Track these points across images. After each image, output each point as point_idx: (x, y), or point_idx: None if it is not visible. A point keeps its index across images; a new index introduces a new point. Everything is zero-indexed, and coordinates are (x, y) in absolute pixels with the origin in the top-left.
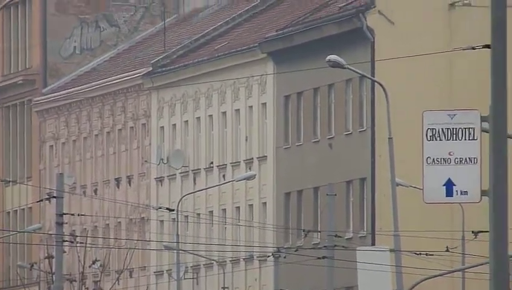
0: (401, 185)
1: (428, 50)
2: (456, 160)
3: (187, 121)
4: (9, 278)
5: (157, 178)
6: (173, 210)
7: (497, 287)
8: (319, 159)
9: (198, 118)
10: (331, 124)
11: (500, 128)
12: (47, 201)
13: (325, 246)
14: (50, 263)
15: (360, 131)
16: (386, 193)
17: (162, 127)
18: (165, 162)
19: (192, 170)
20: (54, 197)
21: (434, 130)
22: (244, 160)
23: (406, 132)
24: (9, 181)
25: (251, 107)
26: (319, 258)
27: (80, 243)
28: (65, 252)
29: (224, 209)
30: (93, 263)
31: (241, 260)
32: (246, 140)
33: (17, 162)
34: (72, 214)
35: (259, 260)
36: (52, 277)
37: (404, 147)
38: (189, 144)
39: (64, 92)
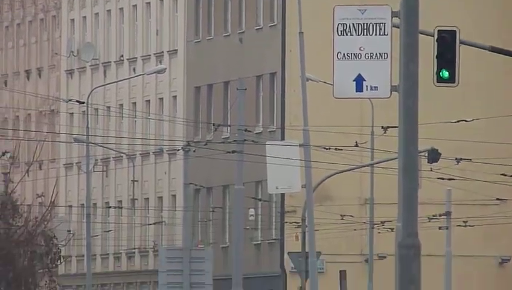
0: (311, 80)
1: None
2: (367, 55)
3: (97, 13)
4: None
5: (67, 70)
6: (83, 103)
7: (406, 182)
8: (230, 53)
9: (109, 10)
10: (242, 19)
11: (412, 24)
12: None
13: (234, 141)
14: None
15: (270, 26)
16: (296, 87)
17: (73, 20)
18: (76, 54)
19: (103, 63)
20: None
21: (345, 25)
22: (154, 53)
23: (317, 27)
24: None
25: (162, 0)
26: (228, 152)
27: None
28: None
29: (135, 103)
30: (3, 154)
31: (151, 153)
32: (157, 34)
33: None
34: None
35: (168, 154)
36: None
37: (315, 41)
38: (100, 36)
39: None
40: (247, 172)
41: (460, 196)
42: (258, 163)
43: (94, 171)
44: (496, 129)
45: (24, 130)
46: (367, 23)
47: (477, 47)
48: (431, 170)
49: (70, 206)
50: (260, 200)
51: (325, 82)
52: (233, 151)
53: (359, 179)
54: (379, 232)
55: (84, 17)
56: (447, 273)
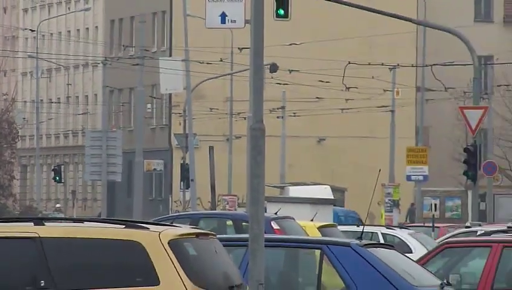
0: (190, 15)
1: None
2: None
3: None
4: None
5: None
6: (34, 30)
7: (256, 82)
8: None
9: None
10: None
11: None
12: None
13: (137, 57)
14: None
15: None
16: (181, 22)
17: None
18: None
19: (48, 4)
20: None
21: None
22: None
23: None
24: None
25: None
26: (134, 64)
27: None
28: None
29: (69, 31)
30: None
31: (80, 65)
32: None
33: None
34: None
35: (93, 66)
36: None
37: None
38: None
39: None
40: (146, 78)
41: (292, 95)
42: (154, 72)
43: (41, 78)
44: (316, 49)
45: None
46: None
47: None
48: (272, 78)
49: (25, 101)
50: (155, 98)
51: (200, 17)
52: (137, 64)
53: (223, 84)
54: (236, 120)
55: None
56: (282, 149)
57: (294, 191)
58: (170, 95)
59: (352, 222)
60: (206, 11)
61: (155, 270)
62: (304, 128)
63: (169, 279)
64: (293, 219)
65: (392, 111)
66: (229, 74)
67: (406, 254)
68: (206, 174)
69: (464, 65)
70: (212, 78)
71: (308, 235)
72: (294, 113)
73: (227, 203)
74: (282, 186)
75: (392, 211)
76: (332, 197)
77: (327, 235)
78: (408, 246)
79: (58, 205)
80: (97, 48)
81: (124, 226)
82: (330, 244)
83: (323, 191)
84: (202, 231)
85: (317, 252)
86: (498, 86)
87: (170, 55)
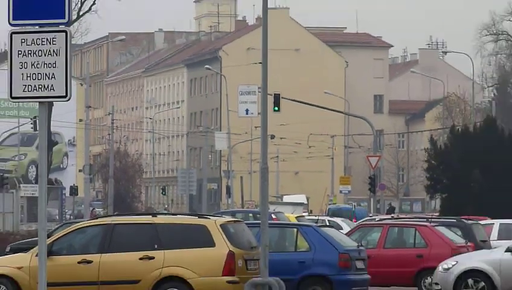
0: (231, 111)
1: None
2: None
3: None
4: None
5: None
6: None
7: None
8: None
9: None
10: None
11: (264, 92)
12: None
13: (204, 131)
14: None
15: (213, 93)
16: (225, 117)
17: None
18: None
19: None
20: None
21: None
22: (176, 101)
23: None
24: None
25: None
26: (202, 135)
27: None
28: None
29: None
30: (124, 136)
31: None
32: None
33: None
34: None
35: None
36: None
37: (234, 96)
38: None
39: None
40: (209, 142)
41: (282, 150)
42: (212, 139)
43: (155, 142)
44: (295, 128)
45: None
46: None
47: (288, 99)
48: (271, 141)
49: (147, 154)
50: (212, 152)
51: (235, 111)
52: (204, 135)
53: (248, 145)
54: (253, 163)
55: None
56: (277, 177)
57: (286, 198)
58: (220, 151)
59: (364, 215)
60: (238, 107)
61: (213, 239)
62: (288, 167)
63: (220, 243)
64: (283, 213)
65: (332, 158)
66: (250, 140)
67: (340, 230)
68: (239, 191)
69: (368, 135)
70: (242, 142)
71: (290, 221)
72: (283, 159)
73: (249, 205)
74: (280, 196)
75: None
76: (305, 201)
77: (300, 221)
78: (341, 226)
79: (166, 206)
80: (183, 126)
81: (197, 217)
82: (302, 226)
83: (301, 197)
84: (237, 219)
85: (295, 229)
86: (386, 145)
87: (220, 130)
